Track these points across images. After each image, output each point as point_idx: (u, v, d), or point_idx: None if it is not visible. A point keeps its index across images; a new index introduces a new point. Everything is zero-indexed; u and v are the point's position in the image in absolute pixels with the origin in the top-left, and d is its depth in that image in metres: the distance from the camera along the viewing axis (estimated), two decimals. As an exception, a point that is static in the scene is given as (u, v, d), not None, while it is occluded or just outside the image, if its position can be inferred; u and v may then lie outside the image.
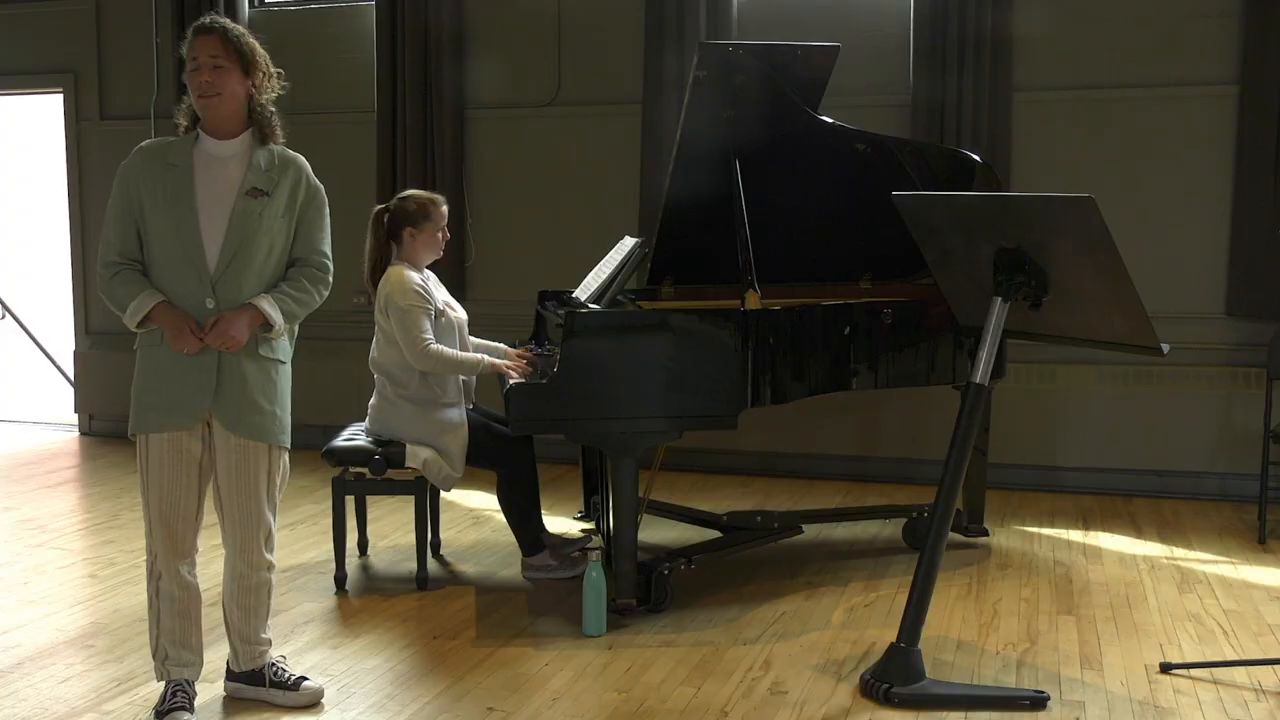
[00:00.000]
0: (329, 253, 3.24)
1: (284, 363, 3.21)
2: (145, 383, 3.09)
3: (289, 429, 3.22)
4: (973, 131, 5.65)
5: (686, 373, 3.89)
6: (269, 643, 3.33)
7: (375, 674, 3.52)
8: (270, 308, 3.08)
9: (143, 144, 3.11)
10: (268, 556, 3.23)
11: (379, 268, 4.29)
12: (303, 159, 3.22)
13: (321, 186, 3.22)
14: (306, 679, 3.31)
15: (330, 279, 3.24)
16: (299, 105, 6.80)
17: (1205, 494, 5.64)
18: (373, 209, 4.36)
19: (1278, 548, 4.81)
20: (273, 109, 3.17)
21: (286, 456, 3.24)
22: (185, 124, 3.13)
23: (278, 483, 3.22)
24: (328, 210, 3.24)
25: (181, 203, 3.01)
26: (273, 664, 3.31)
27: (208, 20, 3.08)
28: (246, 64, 3.06)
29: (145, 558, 3.17)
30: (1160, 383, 5.65)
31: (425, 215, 4.26)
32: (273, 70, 3.15)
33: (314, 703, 3.27)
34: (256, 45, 3.12)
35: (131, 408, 3.12)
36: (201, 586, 3.26)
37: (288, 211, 3.12)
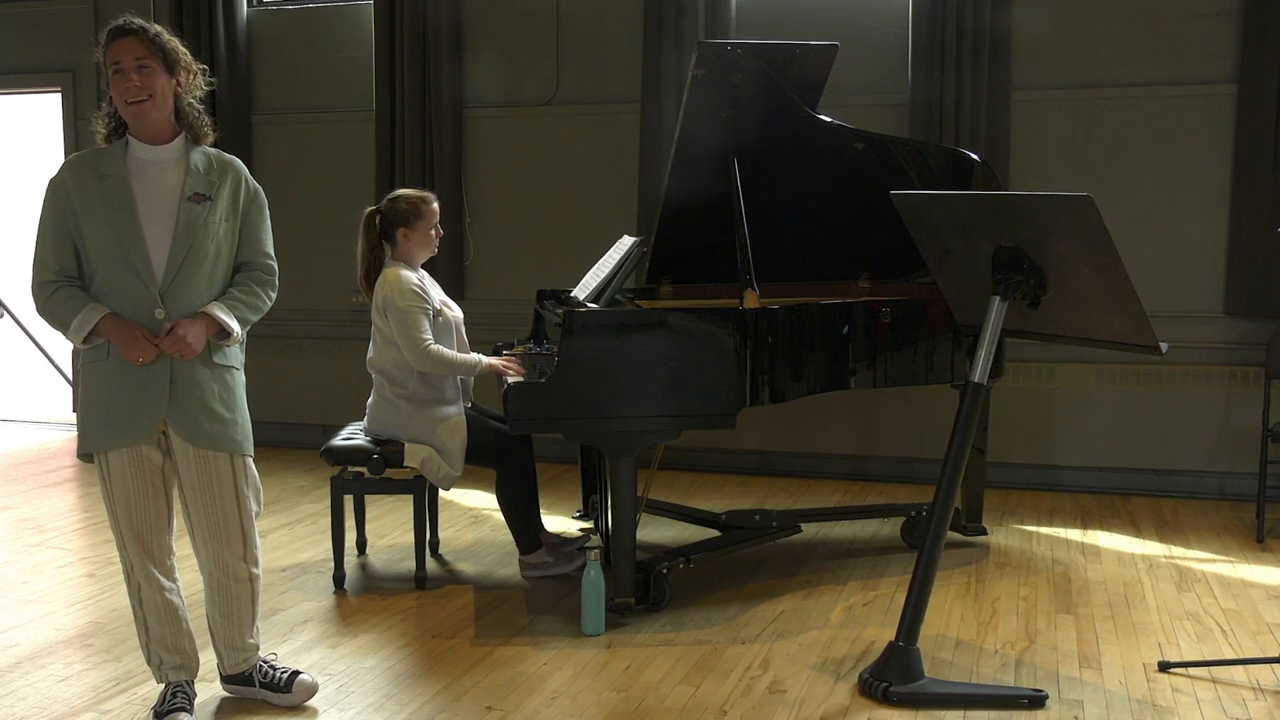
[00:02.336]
0: (273, 254, 3.18)
1: (238, 369, 3.14)
2: (93, 399, 3.00)
3: (251, 436, 3.15)
4: (971, 130, 5.65)
5: (685, 372, 3.89)
6: (256, 648, 3.27)
7: (374, 673, 3.51)
8: (225, 315, 3.01)
9: (69, 158, 3.02)
10: (248, 568, 3.16)
11: (373, 270, 4.29)
12: (239, 161, 3.15)
13: (260, 188, 3.16)
14: (300, 672, 3.28)
15: (277, 281, 3.18)
16: (298, 105, 6.87)
17: (1204, 493, 5.64)
18: (363, 211, 4.35)
19: (1276, 546, 4.82)
20: (201, 108, 3.08)
21: (253, 463, 3.16)
22: (104, 132, 3.03)
23: (248, 493, 3.13)
24: (268, 211, 3.17)
25: (122, 213, 2.93)
26: (260, 666, 3.27)
27: (123, 21, 2.97)
28: (170, 63, 2.96)
29: (122, 570, 3.13)
30: (1159, 382, 5.65)
31: (417, 214, 4.25)
32: (196, 67, 3.06)
33: (310, 696, 3.25)
34: (178, 43, 3.02)
35: (79, 427, 3.05)
36: (187, 588, 3.25)
37: (231, 215, 3.05)
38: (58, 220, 2.98)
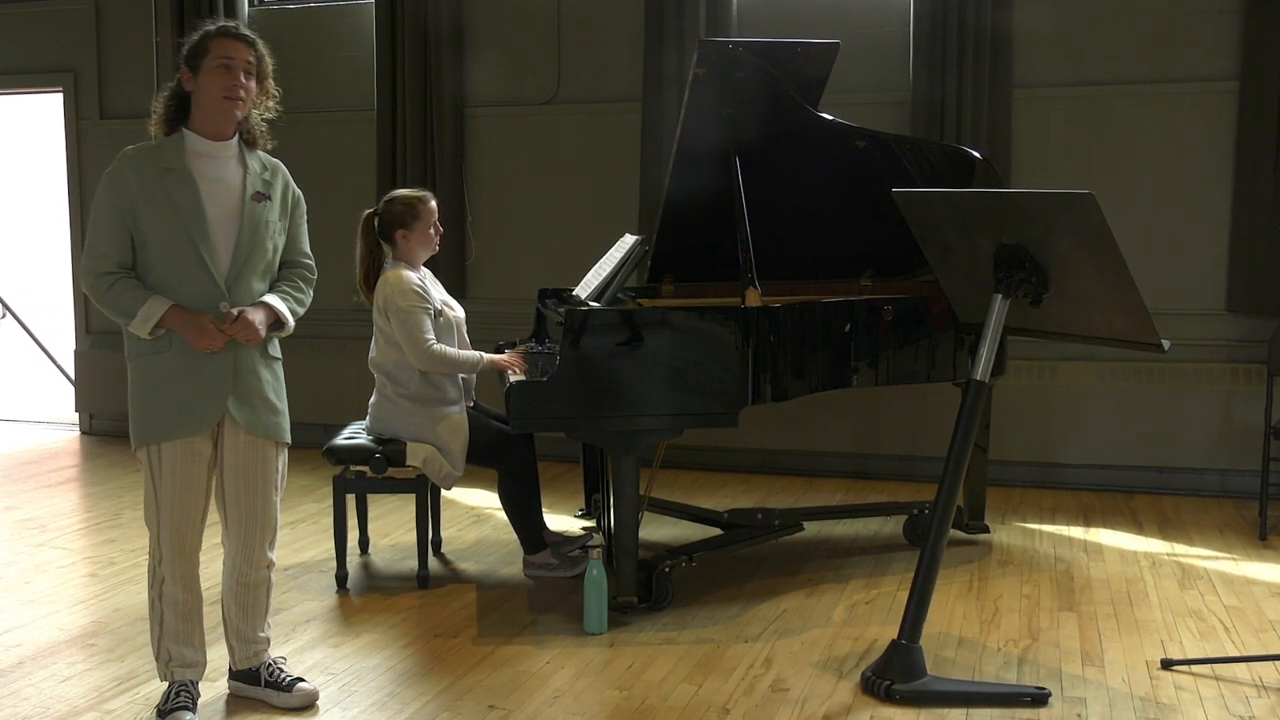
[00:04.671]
0: (312, 255, 3.34)
1: (281, 361, 3.29)
2: (154, 391, 3.06)
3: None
4: (973, 128, 5.65)
5: (687, 370, 3.89)
6: (267, 642, 3.33)
7: (376, 672, 3.52)
8: (282, 306, 3.16)
9: (126, 151, 3.07)
10: (270, 555, 3.27)
11: (371, 273, 4.30)
12: (282, 165, 3.29)
13: (300, 192, 3.31)
14: (303, 680, 3.31)
15: (314, 281, 3.34)
16: (299, 104, 6.84)
17: (1206, 490, 5.64)
18: (362, 214, 4.35)
19: (1278, 544, 4.81)
20: (265, 120, 3.22)
21: (287, 453, 3.30)
22: (161, 113, 3.09)
23: (280, 481, 3.27)
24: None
25: (190, 207, 3.01)
26: (269, 664, 3.31)
27: (236, 26, 3.13)
28: (262, 77, 3.15)
29: (148, 561, 3.16)
30: (1161, 379, 5.65)
31: (414, 214, 4.25)
32: (274, 90, 3.22)
33: (308, 704, 3.26)
34: (271, 62, 3.20)
35: (136, 418, 3.08)
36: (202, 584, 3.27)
37: (282, 215, 3.21)
38: (116, 213, 3.01)
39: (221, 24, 3.12)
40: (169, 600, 3.13)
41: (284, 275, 3.24)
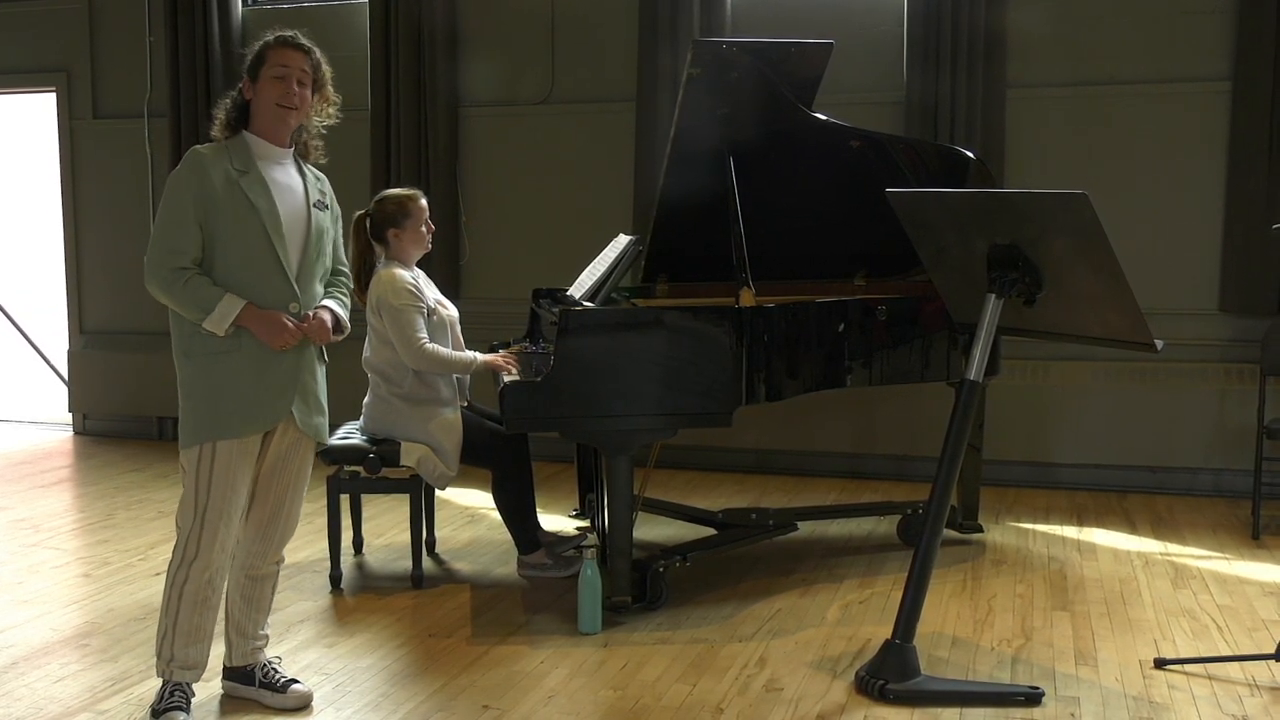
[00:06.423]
0: (347, 264, 3.44)
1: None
2: (221, 388, 3.06)
3: None
4: (966, 128, 5.65)
5: (681, 370, 3.89)
6: (266, 639, 3.34)
7: (370, 672, 3.51)
8: (342, 311, 3.26)
9: (199, 150, 3.07)
10: (282, 552, 3.33)
11: (365, 272, 4.30)
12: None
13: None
14: (297, 681, 3.31)
15: (351, 290, 3.44)
16: (293, 103, 6.85)
17: (1199, 490, 5.65)
18: (354, 215, 4.35)
19: (1271, 543, 4.82)
20: (321, 131, 3.30)
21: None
22: (223, 119, 3.14)
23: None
24: None
25: (267, 207, 3.06)
26: (264, 664, 3.32)
27: (293, 35, 3.21)
28: (319, 85, 3.24)
29: (171, 559, 3.13)
30: (1154, 379, 5.65)
31: (405, 213, 4.26)
32: (333, 98, 3.29)
33: (302, 706, 3.26)
34: (328, 70, 3.28)
35: (196, 415, 3.06)
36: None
37: (332, 224, 3.29)
38: (190, 211, 3.01)
39: (280, 34, 3.19)
40: (189, 598, 3.11)
41: (330, 282, 3.32)
